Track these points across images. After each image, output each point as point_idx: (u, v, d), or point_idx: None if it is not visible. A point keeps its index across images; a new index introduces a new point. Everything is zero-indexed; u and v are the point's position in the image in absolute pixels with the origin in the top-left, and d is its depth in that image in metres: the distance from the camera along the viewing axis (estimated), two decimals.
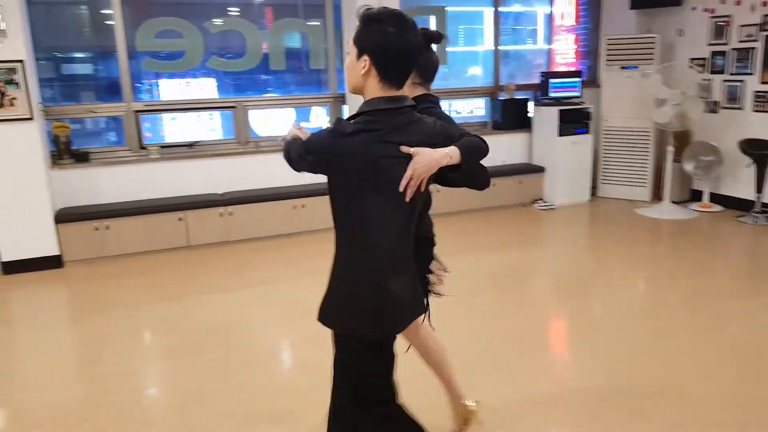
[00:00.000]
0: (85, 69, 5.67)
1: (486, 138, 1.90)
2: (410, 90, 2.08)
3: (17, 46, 4.57)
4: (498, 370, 3.17)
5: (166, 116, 5.85)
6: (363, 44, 1.67)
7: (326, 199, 1.78)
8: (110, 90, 5.59)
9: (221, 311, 4.08)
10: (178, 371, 3.28)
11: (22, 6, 4.69)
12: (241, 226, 5.51)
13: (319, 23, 6.13)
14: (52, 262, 4.95)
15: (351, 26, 5.48)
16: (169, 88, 5.81)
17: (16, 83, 4.60)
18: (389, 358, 1.95)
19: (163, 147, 5.63)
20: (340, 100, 6.23)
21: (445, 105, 6.85)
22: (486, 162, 1.90)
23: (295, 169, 1.83)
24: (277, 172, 5.67)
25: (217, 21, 5.73)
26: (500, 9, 6.88)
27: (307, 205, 5.66)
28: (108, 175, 5.35)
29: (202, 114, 5.97)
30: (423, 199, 1.82)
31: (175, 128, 5.89)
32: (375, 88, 1.70)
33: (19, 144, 4.71)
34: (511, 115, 6.86)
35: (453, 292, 2.53)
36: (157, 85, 5.79)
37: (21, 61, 4.58)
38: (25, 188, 4.79)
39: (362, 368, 1.90)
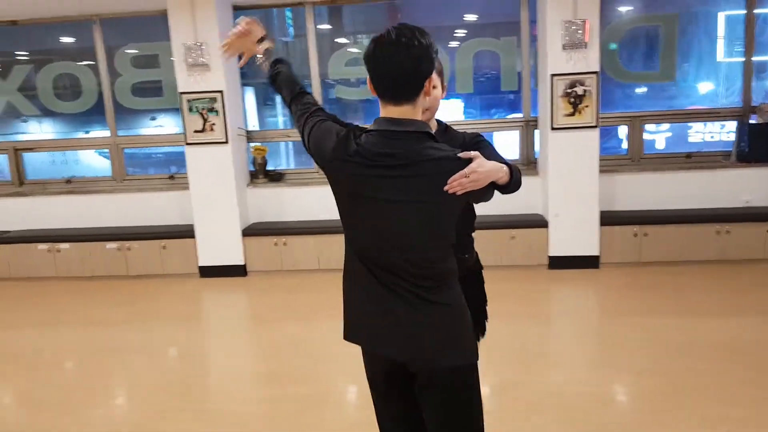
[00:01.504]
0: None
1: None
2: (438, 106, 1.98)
3: (218, 78, 5.19)
4: None
5: None
6: (366, 65, 1.63)
7: None
8: None
9: None
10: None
11: None
12: None
13: (511, 40, 5.67)
14: (239, 271, 5.51)
15: (553, 43, 4.97)
16: None
17: (216, 111, 5.24)
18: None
19: None
20: (533, 124, 5.66)
21: (676, 128, 5.79)
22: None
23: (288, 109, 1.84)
24: None
25: None
26: (756, 11, 5.47)
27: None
28: (294, 194, 5.75)
29: None
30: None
31: None
32: (382, 108, 1.63)
33: (215, 164, 5.35)
34: (765, 145, 5.40)
35: None
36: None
37: (220, 91, 5.20)
38: (219, 204, 5.42)
39: None
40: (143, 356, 3.95)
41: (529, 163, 5.74)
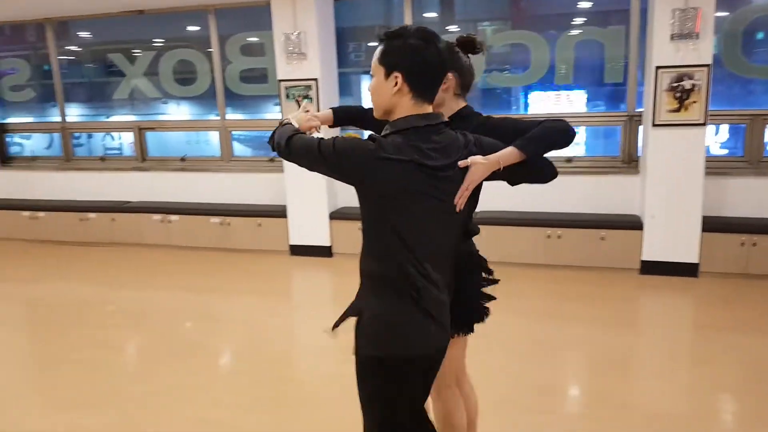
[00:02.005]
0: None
1: None
2: (454, 102, 2.01)
3: (314, 67, 5.40)
4: None
5: None
6: (391, 61, 1.64)
7: None
8: None
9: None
10: None
11: (323, 32, 5.49)
12: (487, 245, 5.29)
13: (619, 30, 5.32)
14: (325, 252, 5.73)
15: (660, 32, 4.64)
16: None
17: (310, 98, 5.45)
18: None
19: None
20: (637, 119, 5.30)
21: None
22: None
23: (289, 159, 1.76)
24: (548, 198, 5.28)
25: (498, 34, 5.58)
26: None
27: (563, 235, 5.09)
28: None
29: None
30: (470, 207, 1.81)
31: None
32: (407, 107, 1.65)
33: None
34: None
35: None
36: None
37: (315, 79, 5.40)
38: (309, 187, 5.61)
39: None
40: (235, 323, 4.35)
41: (630, 160, 5.39)
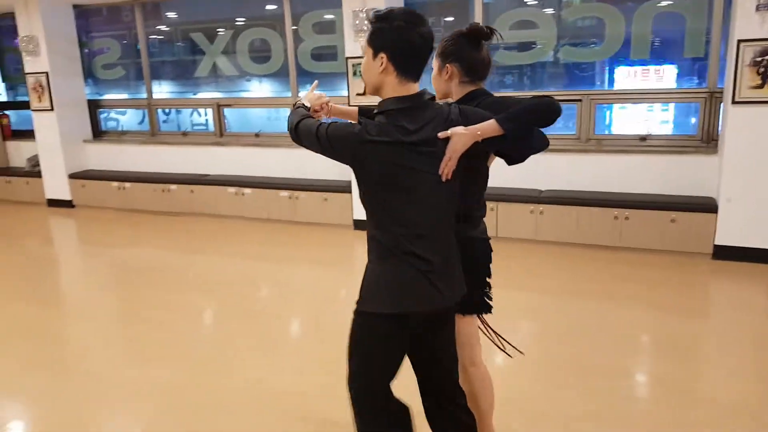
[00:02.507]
0: None
1: None
2: (460, 89, 2.07)
3: None
4: None
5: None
6: (377, 43, 1.76)
7: None
8: None
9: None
10: None
11: None
12: (549, 226, 5.22)
13: (701, 1, 5.01)
14: None
15: (744, 3, 4.35)
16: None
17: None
18: None
19: None
20: (718, 96, 5.00)
21: None
22: None
23: (299, 143, 1.90)
24: (615, 178, 5.16)
25: (571, 8, 5.40)
26: None
27: (630, 216, 4.93)
28: None
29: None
30: (461, 175, 1.85)
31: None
32: (393, 85, 1.76)
33: None
34: None
35: None
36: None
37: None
38: None
39: None
40: (300, 291, 4.57)
41: (709, 140, 5.11)
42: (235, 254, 5.53)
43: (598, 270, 4.69)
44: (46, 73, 7.03)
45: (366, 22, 1.77)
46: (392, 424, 1.96)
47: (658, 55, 5.29)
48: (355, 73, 5.59)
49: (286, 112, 6.66)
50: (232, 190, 6.51)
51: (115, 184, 7.08)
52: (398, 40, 1.72)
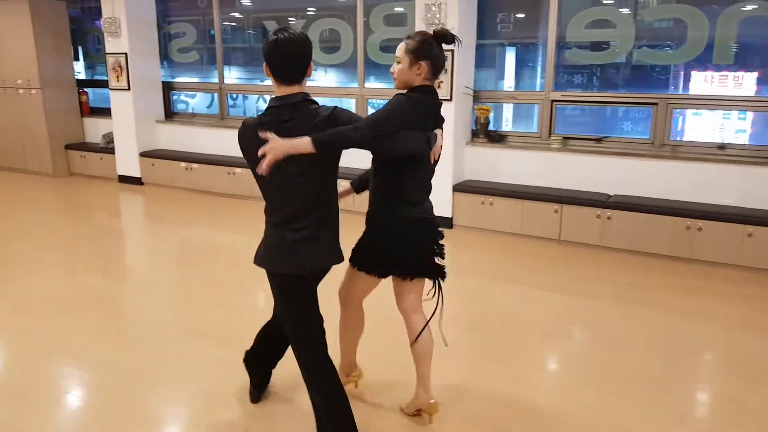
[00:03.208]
0: (513, 56, 6.15)
1: None
2: (420, 82, 2.40)
3: None
4: None
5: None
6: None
7: None
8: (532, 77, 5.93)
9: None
10: None
11: (463, 2, 5.46)
12: (616, 232, 5.06)
13: None
14: (446, 223, 5.80)
15: None
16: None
17: (445, 69, 5.46)
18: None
19: (566, 138, 5.63)
20: None
21: None
22: None
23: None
24: (689, 187, 4.96)
25: (651, 8, 5.19)
26: None
27: (704, 227, 4.71)
28: (510, 157, 5.76)
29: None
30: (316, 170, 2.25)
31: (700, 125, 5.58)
32: (276, 89, 2.24)
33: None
34: None
35: None
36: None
37: (451, 50, 5.41)
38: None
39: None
40: None
41: None
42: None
43: (666, 281, 4.52)
44: (126, 53, 7.32)
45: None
46: None
47: (740, 61, 5.04)
48: None
49: (352, 102, 6.75)
50: None
51: (183, 164, 7.31)
52: (265, 51, 2.22)
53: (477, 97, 5.93)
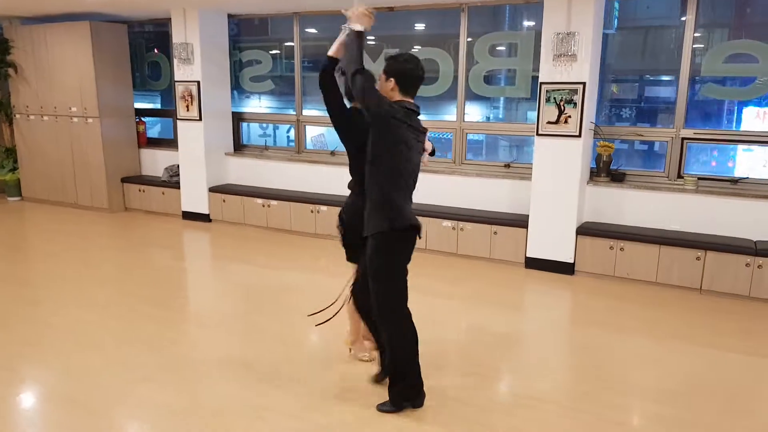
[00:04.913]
0: (643, 92, 5.79)
1: None
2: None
3: (583, 71, 5.03)
4: None
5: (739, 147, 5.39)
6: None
7: None
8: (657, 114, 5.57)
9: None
10: None
11: (595, 33, 5.10)
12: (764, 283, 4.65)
13: None
14: (566, 269, 5.36)
15: None
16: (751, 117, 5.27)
17: (574, 103, 5.09)
18: None
19: (701, 179, 5.23)
20: None
21: None
22: None
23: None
24: None
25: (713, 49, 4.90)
26: None
27: None
28: (636, 198, 5.35)
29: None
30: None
31: (745, 161, 5.38)
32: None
33: (563, 158, 5.22)
34: None
35: None
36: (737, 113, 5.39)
37: (583, 83, 5.03)
38: (558, 198, 5.30)
39: None
40: (450, 327, 4.25)
41: None
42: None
43: (685, 314, 4.37)
44: (198, 81, 6.88)
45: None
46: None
47: None
48: (548, 100, 5.17)
49: (447, 137, 6.28)
50: None
51: (259, 200, 6.83)
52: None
53: (597, 133, 5.53)
